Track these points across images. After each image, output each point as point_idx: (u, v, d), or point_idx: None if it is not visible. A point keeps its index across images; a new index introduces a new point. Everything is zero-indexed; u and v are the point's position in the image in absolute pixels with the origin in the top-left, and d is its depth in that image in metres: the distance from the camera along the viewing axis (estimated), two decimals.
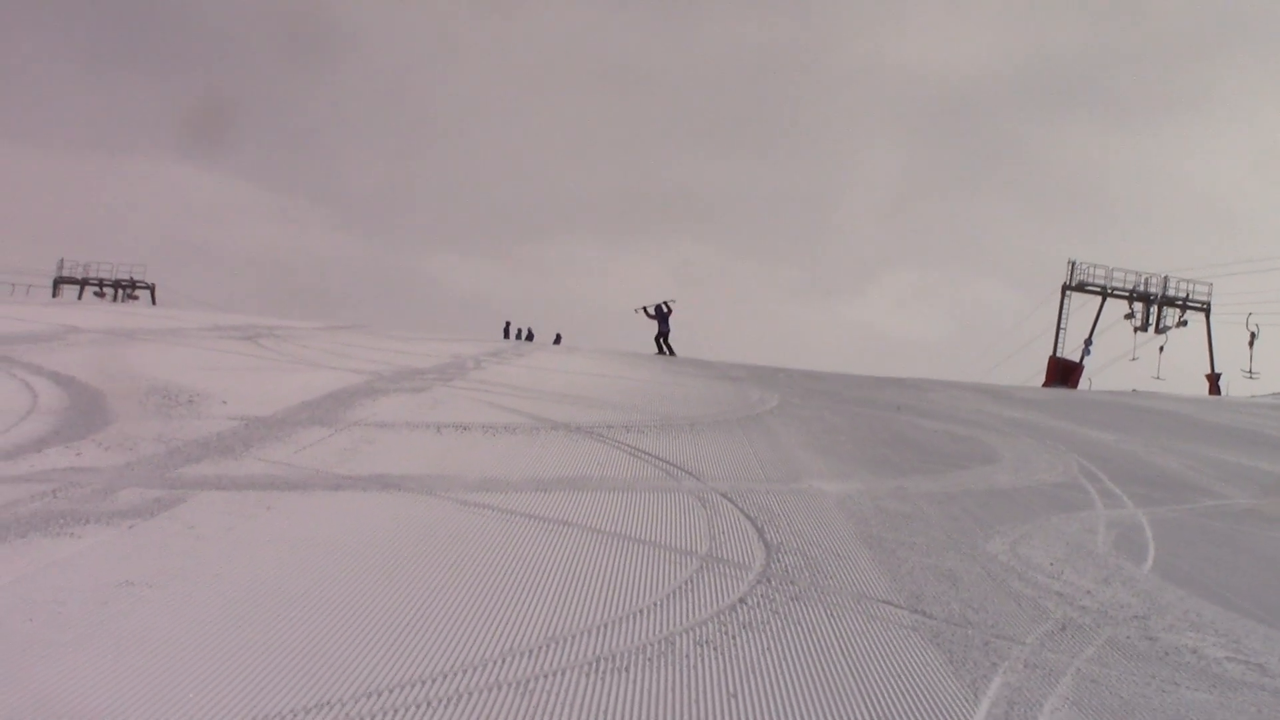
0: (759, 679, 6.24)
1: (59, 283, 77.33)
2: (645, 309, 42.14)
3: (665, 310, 41.91)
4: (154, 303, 73.00)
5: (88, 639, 6.05)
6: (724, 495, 11.07)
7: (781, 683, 6.22)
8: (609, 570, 8.19)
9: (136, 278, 79.08)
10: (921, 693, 6.26)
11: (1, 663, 5.61)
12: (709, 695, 5.93)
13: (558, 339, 64.63)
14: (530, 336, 66.10)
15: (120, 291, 78.42)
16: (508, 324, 69.97)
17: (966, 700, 6.20)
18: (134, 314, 35.94)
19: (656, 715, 5.62)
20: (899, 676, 6.48)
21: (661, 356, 39.35)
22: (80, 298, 73.86)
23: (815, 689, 6.18)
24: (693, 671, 6.24)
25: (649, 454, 13.39)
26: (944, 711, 6.01)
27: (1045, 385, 54.00)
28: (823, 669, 6.49)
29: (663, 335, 41.79)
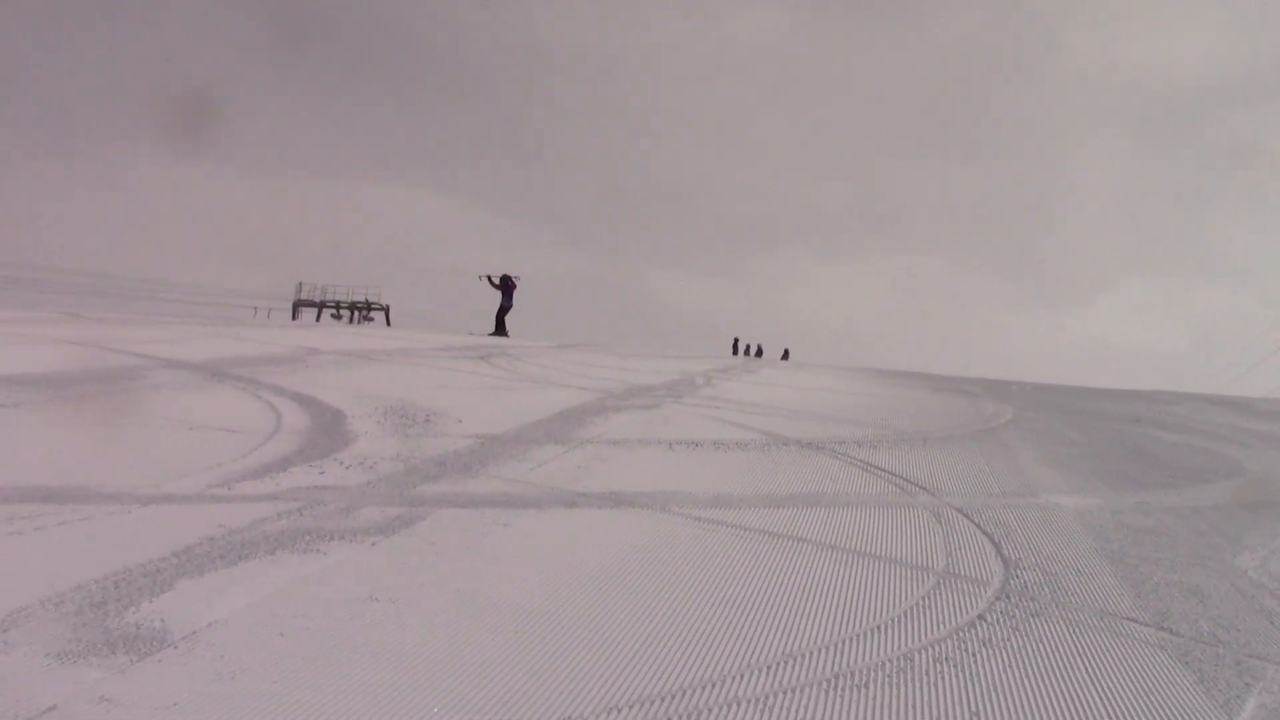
0: (1001, 697, 6.16)
1: (298, 306, 79.04)
2: (489, 277, 41.06)
3: (511, 284, 40.77)
4: (388, 324, 74.14)
5: (337, 653, 6.17)
6: (959, 510, 10.95)
7: (1025, 701, 6.14)
8: (844, 586, 8.14)
9: (371, 300, 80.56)
10: (1170, 712, 6.13)
11: (256, 676, 5.74)
12: (950, 713, 5.87)
13: (785, 354, 64.51)
14: (759, 352, 66.05)
15: (356, 313, 79.93)
16: (736, 340, 70.00)
17: None
18: (370, 335, 36.55)
19: None
20: (1146, 695, 6.36)
21: (503, 338, 37.70)
22: (318, 320, 75.37)
23: (1059, 708, 6.09)
24: (933, 689, 6.18)
25: (882, 469, 13.28)
26: None
27: None
28: (1067, 687, 6.39)
29: (504, 310, 40.50)
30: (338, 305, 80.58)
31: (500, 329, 39.88)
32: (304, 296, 79.55)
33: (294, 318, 75.50)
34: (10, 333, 22.68)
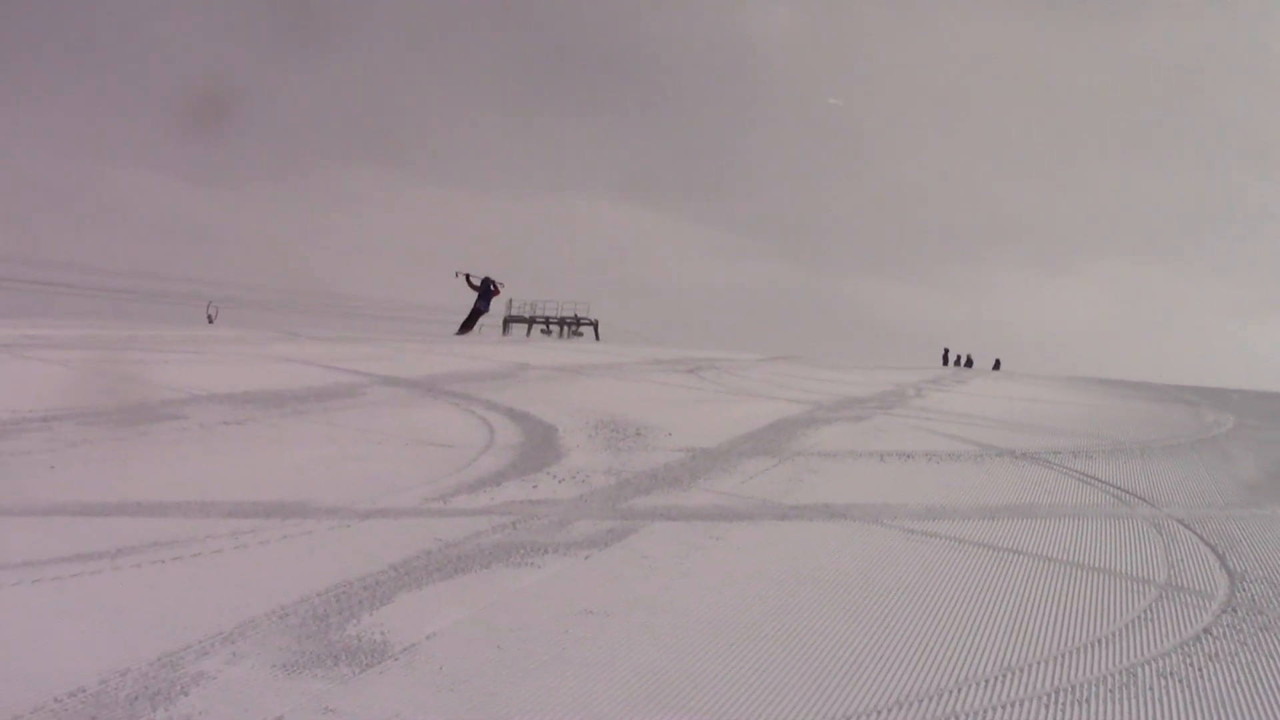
0: (1229, 713, 6.01)
1: (508, 321, 79.80)
2: (469, 277, 39.66)
3: (492, 289, 39.82)
4: (598, 338, 74.66)
5: (552, 665, 6.22)
6: (1180, 521, 10.73)
7: (1254, 718, 5.99)
8: (1063, 599, 8.01)
9: (581, 314, 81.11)
10: None
11: (475, 688, 5.81)
12: None
13: (996, 364, 63.80)
14: (970, 363, 65.45)
15: (565, 328, 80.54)
16: (946, 350, 69.47)
17: None
18: (579, 350, 36.82)
19: None
20: None
21: (466, 335, 37.97)
22: (528, 335, 76.10)
23: None
24: (1158, 705, 6.05)
25: (1098, 479, 13.06)
26: None
27: None
28: None
29: (477, 313, 39.92)
30: (547, 320, 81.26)
31: (466, 327, 39.76)
32: (514, 313, 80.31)
33: (504, 333, 76.27)
34: (233, 352, 23.23)
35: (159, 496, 9.60)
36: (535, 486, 10.76)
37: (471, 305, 40.02)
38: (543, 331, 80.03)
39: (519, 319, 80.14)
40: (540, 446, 13.12)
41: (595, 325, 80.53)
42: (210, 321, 47.51)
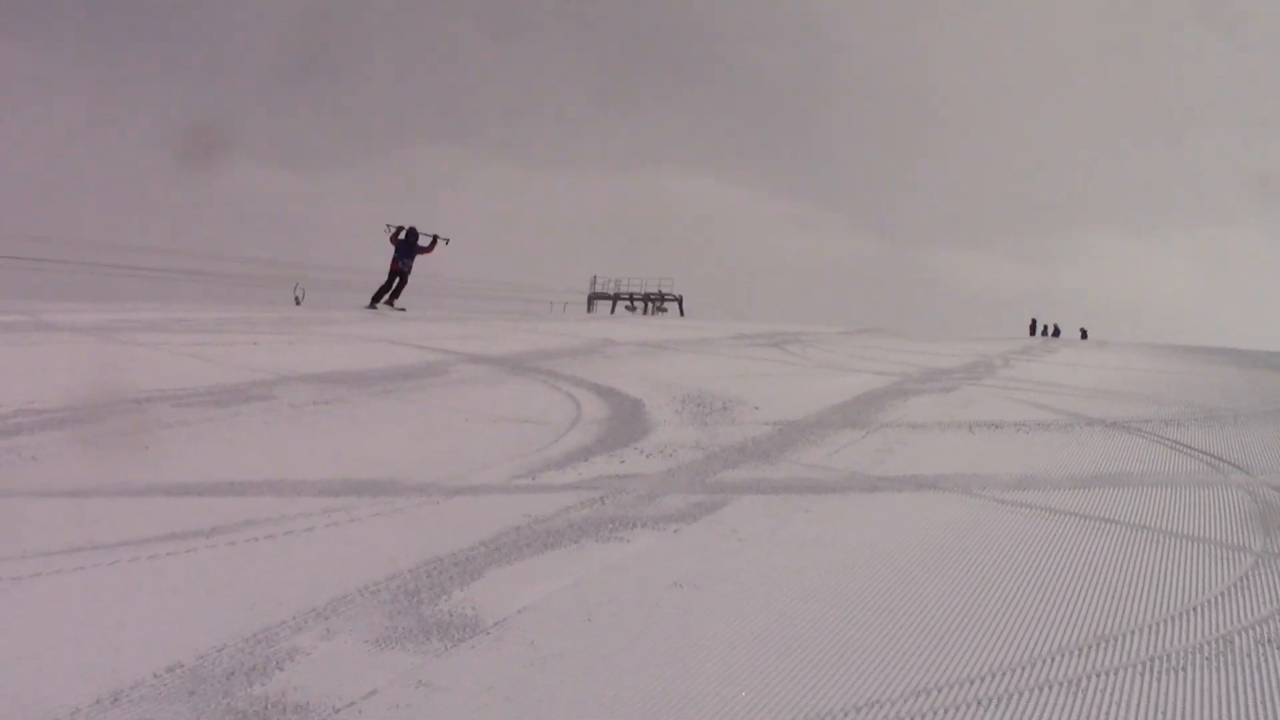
0: None
1: (593, 299, 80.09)
2: (395, 231, 31.92)
3: (416, 242, 31.86)
4: (682, 314, 74.67)
5: (643, 637, 6.23)
6: (1275, 488, 10.61)
7: None
8: (1158, 567, 7.95)
9: (665, 290, 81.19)
10: None
11: (566, 662, 5.83)
12: (1275, 697, 5.69)
13: (1084, 334, 63.37)
14: (1057, 333, 65.06)
15: (650, 304, 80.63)
16: (1033, 321, 69.08)
17: None
18: (664, 326, 36.84)
19: (1218, 717, 5.43)
20: None
21: (387, 309, 30.97)
22: (613, 312, 76.15)
23: None
24: (1256, 672, 5.99)
25: (1191, 448, 12.94)
26: None
27: None
28: None
29: (399, 275, 31.86)
30: (631, 297, 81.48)
31: (378, 297, 32.18)
32: (598, 290, 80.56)
33: (590, 310, 76.44)
34: (324, 333, 23.42)
35: (251, 476, 9.69)
36: (623, 461, 10.78)
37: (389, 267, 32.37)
38: (627, 308, 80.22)
39: (604, 296, 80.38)
40: (627, 421, 13.14)
41: (680, 301, 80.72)
42: (298, 303, 47.74)
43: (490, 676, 5.60)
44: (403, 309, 30.36)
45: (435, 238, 32.17)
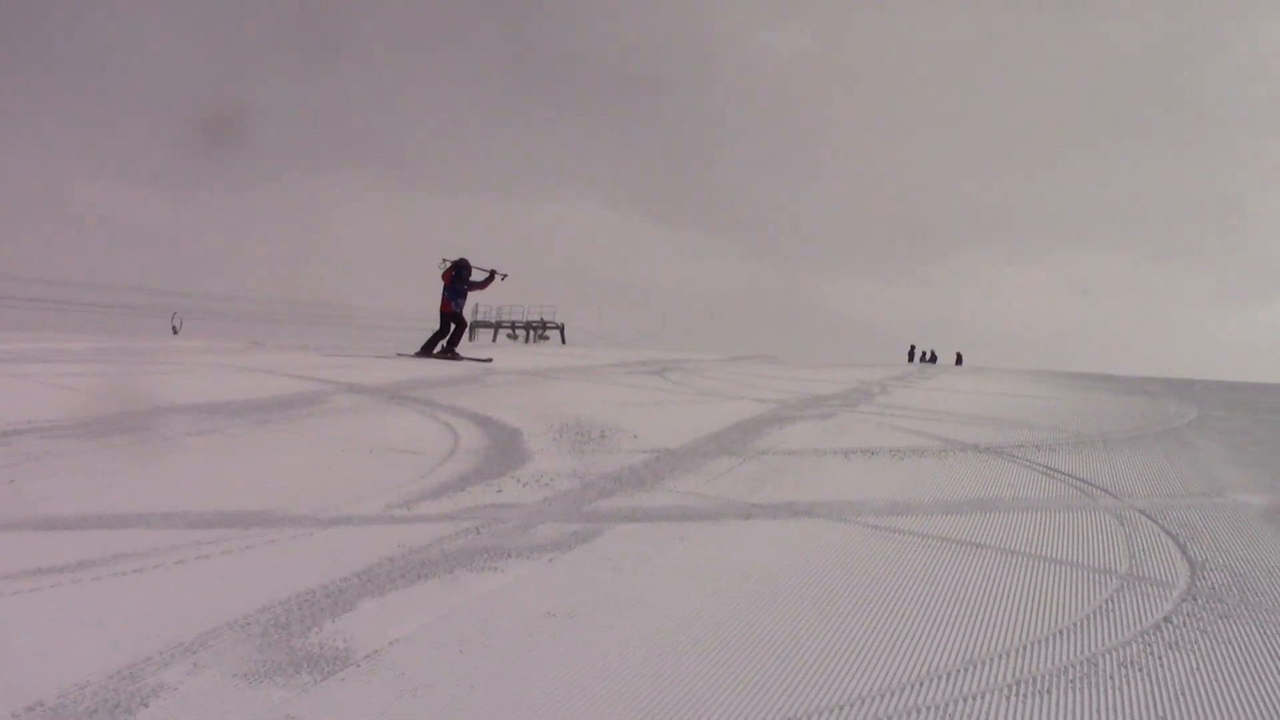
0: (1189, 701, 6.04)
1: (474, 327, 79.95)
2: (448, 264, 27.12)
3: (469, 278, 27.29)
4: (563, 342, 74.83)
5: (516, 668, 6.21)
6: (1142, 512, 10.79)
7: (1214, 705, 6.01)
8: (1025, 591, 8.05)
9: (547, 318, 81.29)
10: None
11: (437, 693, 5.80)
12: (1136, 718, 5.78)
13: (959, 359, 64.07)
14: (934, 358, 65.74)
15: (531, 332, 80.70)
16: (912, 347, 69.79)
17: None
18: (545, 354, 36.89)
19: None
20: None
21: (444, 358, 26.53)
22: (494, 340, 76.16)
23: (1249, 711, 5.96)
24: (1118, 694, 6.08)
25: (1062, 472, 13.13)
26: None
27: None
28: (1258, 690, 6.25)
29: (454, 318, 27.16)
30: (513, 325, 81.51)
31: (431, 347, 27.52)
32: (480, 318, 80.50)
33: (471, 339, 76.34)
34: (198, 361, 23.26)
35: (121, 509, 9.56)
36: (499, 491, 10.76)
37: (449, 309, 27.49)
38: (509, 336, 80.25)
39: (485, 324, 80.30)
40: (504, 451, 13.13)
41: (561, 329, 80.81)
42: (175, 333, 47.34)
43: (360, 709, 5.57)
44: (463, 358, 26.20)
45: (492, 272, 27.59)
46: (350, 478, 11.38)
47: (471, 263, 27.31)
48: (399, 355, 27.31)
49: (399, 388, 19.74)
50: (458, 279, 26.81)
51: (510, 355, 34.01)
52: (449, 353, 27.05)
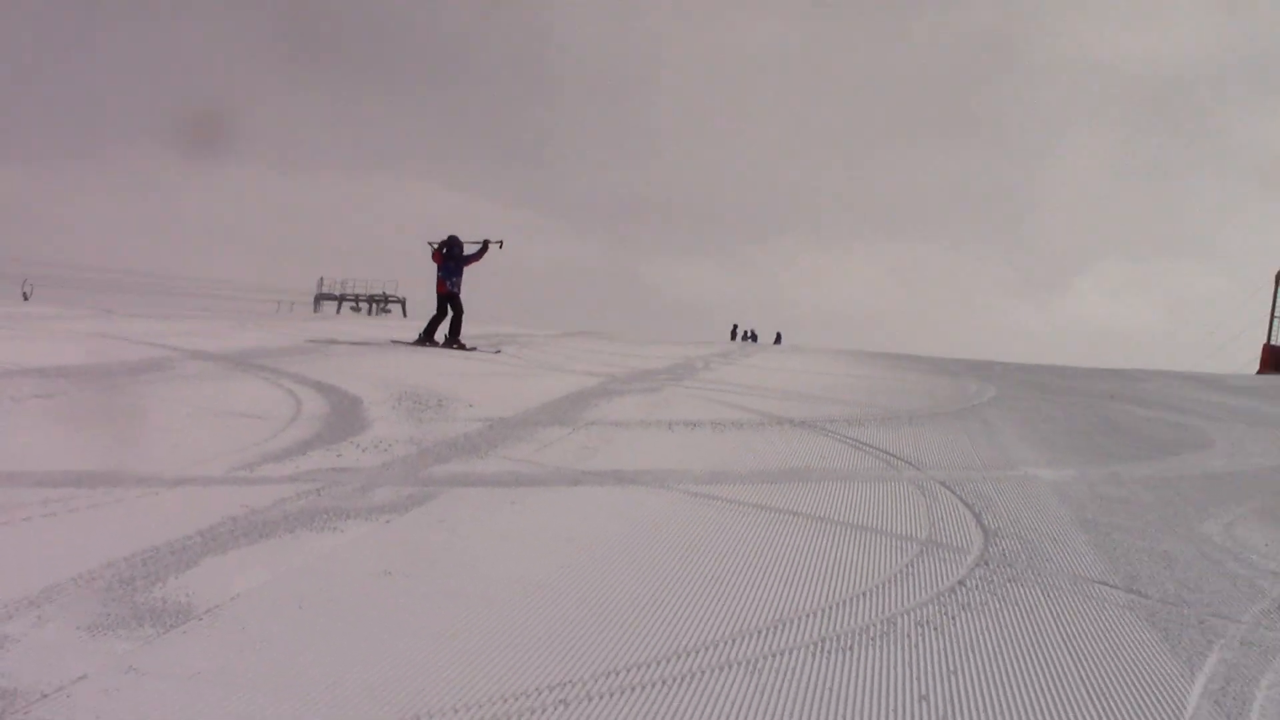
0: (978, 657, 6.21)
1: (319, 299, 79.26)
2: (435, 246, 23.75)
3: (462, 254, 23.70)
4: (405, 315, 74.23)
5: (352, 624, 6.22)
6: (942, 483, 11.00)
7: (1000, 661, 6.19)
8: (832, 556, 8.19)
9: (389, 293, 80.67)
10: (1137, 670, 6.17)
11: (276, 647, 5.80)
12: (930, 673, 5.92)
13: (778, 339, 64.52)
14: (754, 338, 66.08)
15: (374, 306, 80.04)
16: (735, 326, 70.09)
17: (1183, 677, 6.11)
18: (387, 326, 36.61)
19: (878, 692, 5.63)
20: (1115, 654, 6.41)
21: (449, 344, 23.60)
22: (338, 313, 75.42)
23: (1033, 667, 6.14)
24: (914, 650, 6.23)
25: (870, 445, 13.34)
26: (1160, 688, 5.93)
27: (1260, 372, 52.27)
28: (1040, 647, 6.44)
29: (450, 300, 23.72)
30: (357, 298, 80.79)
31: (431, 333, 24.09)
32: (325, 291, 79.74)
33: (315, 311, 75.56)
34: (46, 328, 22.78)
35: None
36: (339, 455, 10.72)
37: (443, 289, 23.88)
38: (353, 309, 79.50)
39: (329, 297, 79.56)
40: (345, 417, 13.05)
41: (403, 303, 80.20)
42: (26, 299, 46.32)
43: (200, 662, 5.54)
44: (472, 348, 22.85)
45: (485, 243, 23.76)
46: (196, 441, 11.25)
47: (461, 238, 23.90)
48: (393, 343, 24.17)
49: (245, 356, 19.50)
50: (449, 257, 23.43)
51: (353, 327, 33.74)
52: (455, 343, 23.68)
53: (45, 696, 5.04)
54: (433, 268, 24.20)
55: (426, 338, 23.67)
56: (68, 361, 17.03)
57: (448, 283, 23.00)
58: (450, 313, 23.58)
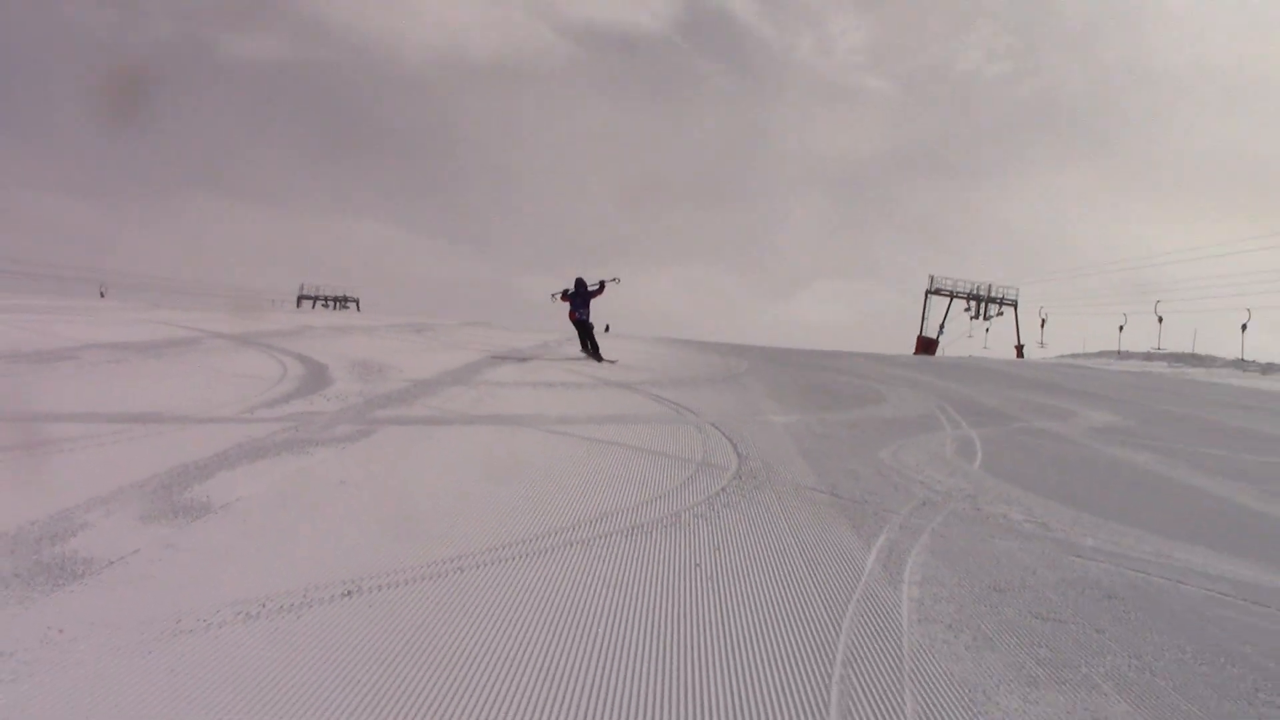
0: (735, 538, 6.28)
1: (300, 298, 77.57)
2: (562, 295, 19.95)
3: (586, 291, 19.90)
4: (359, 310, 73.09)
5: (320, 514, 6.16)
6: (713, 424, 11.09)
7: (748, 540, 6.26)
8: (640, 472, 8.22)
9: (348, 294, 79.30)
10: (835, 545, 6.27)
11: (268, 531, 5.73)
12: (702, 548, 5.98)
13: (607, 328, 64.36)
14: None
15: (337, 303, 78.64)
16: None
17: (863, 548, 6.22)
18: (346, 317, 36.03)
19: (669, 560, 5.68)
20: (821, 535, 6.50)
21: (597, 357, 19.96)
22: (313, 307, 74.07)
23: (769, 544, 6.22)
24: (693, 534, 6.29)
25: (665, 399, 13.41)
26: (849, 556, 6.03)
27: (914, 354, 53.51)
28: (773, 532, 6.52)
29: (580, 326, 20.11)
30: (325, 298, 79.21)
31: (590, 349, 20.23)
32: (304, 292, 78.13)
33: (297, 306, 74.11)
34: (115, 317, 22.16)
35: (59, 409, 9.12)
36: (311, 404, 10.54)
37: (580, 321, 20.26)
38: (322, 305, 77.99)
39: (307, 296, 78.00)
40: (316, 378, 12.84)
41: (357, 301, 78.86)
42: (102, 296, 45.17)
43: (218, 541, 5.45)
44: (612, 361, 19.25)
45: (602, 282, 19.92)
46: (214, 393, 11.00)
47: (587, 280, 19.90)
48: (575, 358, 19.87)
49: (249, 336, 19.09)
50: (576, 295, 19.71)
51: (323, 317, 33.25)
52: (595, 357, 19.89)
53: (111, 564, 4.93)
54: (558, 304, 20.22)
55: (592, 355, 19.84)
56: (128, 339, 16.60)
57: (577, 313, 19.62)
58: (584, 334, 20.02)
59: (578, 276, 19.76)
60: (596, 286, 19.87)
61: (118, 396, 10.34)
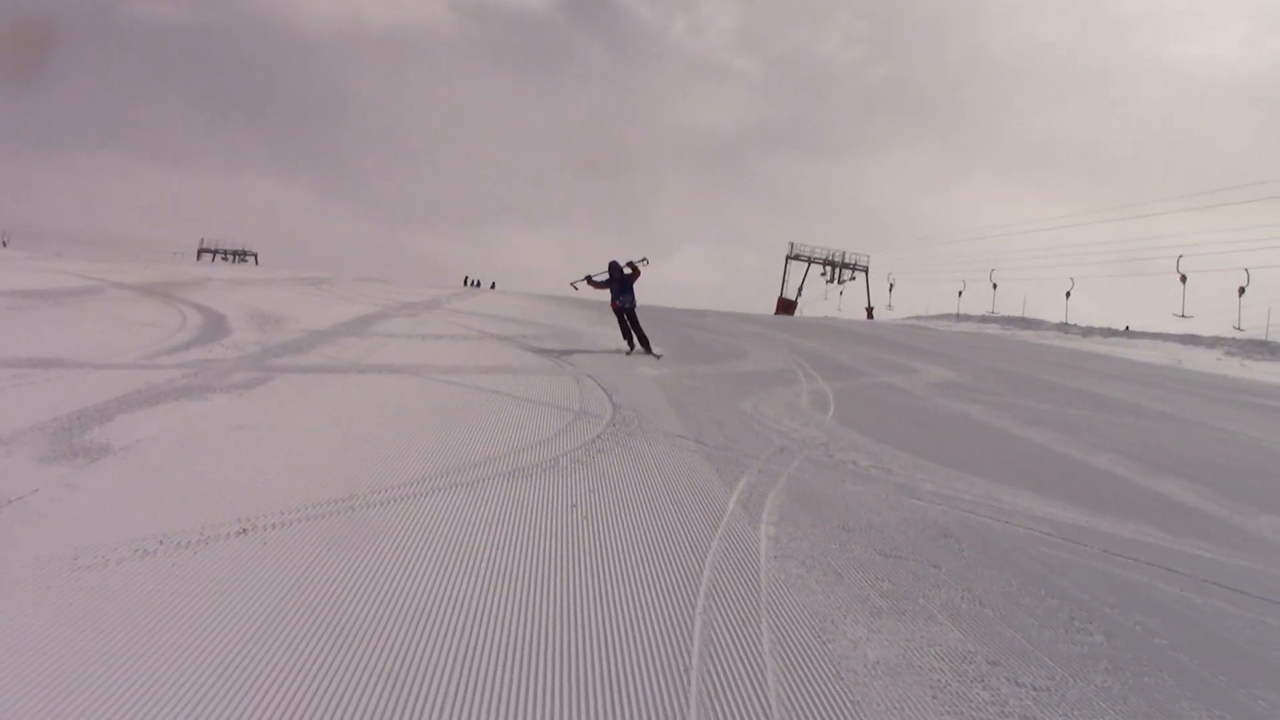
0: (608, 481, 6.29)
1: (201, 251, 75.27)
2: (588, 279, 15.52)
3: (624, 276, 15.52)
4: (257, 264, 71.18)
5: (217, 457, 6.00)
6: (589, 376, 11.10)
7: (620, 483, 6.29)
8: (522, 419, 8.19)
9: (247, 249, 77.21)
10: (700, 488, 6.33)
11: (166, 472, 5.56)
12: (578, 489, 6.00)
13: (493, 285, 63.80)
14: (478, 284, 65.23)
15: (236, 256, 76.52)
16: (466, 277, 68.92)
17: (726, 490, 6.29)
18: (244, 270, 35.04)
19: (547, 502, 5.68)
20: (687, 479, 6.55)
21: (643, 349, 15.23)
22: (213, 261, 71.93)
23: (640, 486, 6.25)
24: (569, 477, 6.29)
25: (545, 351, 13.37)
26: (713, 498, 6.10)
27: (775, 314, 54.13)
28: (644, 475, 6.55)
29: (624, 314, 15.46)
30: (226, 252, 76.96)
31: (631, 340, 15.41)
32: (205, 246, 75.82)
33: (198, 259, 71.89)
34: (21, 264, 21.22)
35: None
36: (210, 352, 10.24)
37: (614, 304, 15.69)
38: (222, 259, 75.73)
39: (207, 250, 75.70)
40: (215, 328, 12.48)
41: (255, 256, 76.80)
42: (4, 245, 43.60)
43: (116, 481, 5.27)
44: (659, 354, 15.08)
45: (632, 263, 15.78)
46: (115, 340, 10.60)
47: (619, 262, 15.90)
48: (623, 354, 15.11)
49: (150, 286, 18.45)
50: (611, 281, 15.72)
51: (223, 270, 32.30)
52: (647, 351, 15.36)
53: (10, 501, 4.73)
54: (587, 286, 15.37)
55: (641, 346, 15.45)
56: (31, 287, 15.90)
57: (618, 300, 15.68)
58: (630, 325, 15.76)
59: (611, 260, 15.94)
60: (630, 270, 16.05)
61: (19, 342, 9.88)
